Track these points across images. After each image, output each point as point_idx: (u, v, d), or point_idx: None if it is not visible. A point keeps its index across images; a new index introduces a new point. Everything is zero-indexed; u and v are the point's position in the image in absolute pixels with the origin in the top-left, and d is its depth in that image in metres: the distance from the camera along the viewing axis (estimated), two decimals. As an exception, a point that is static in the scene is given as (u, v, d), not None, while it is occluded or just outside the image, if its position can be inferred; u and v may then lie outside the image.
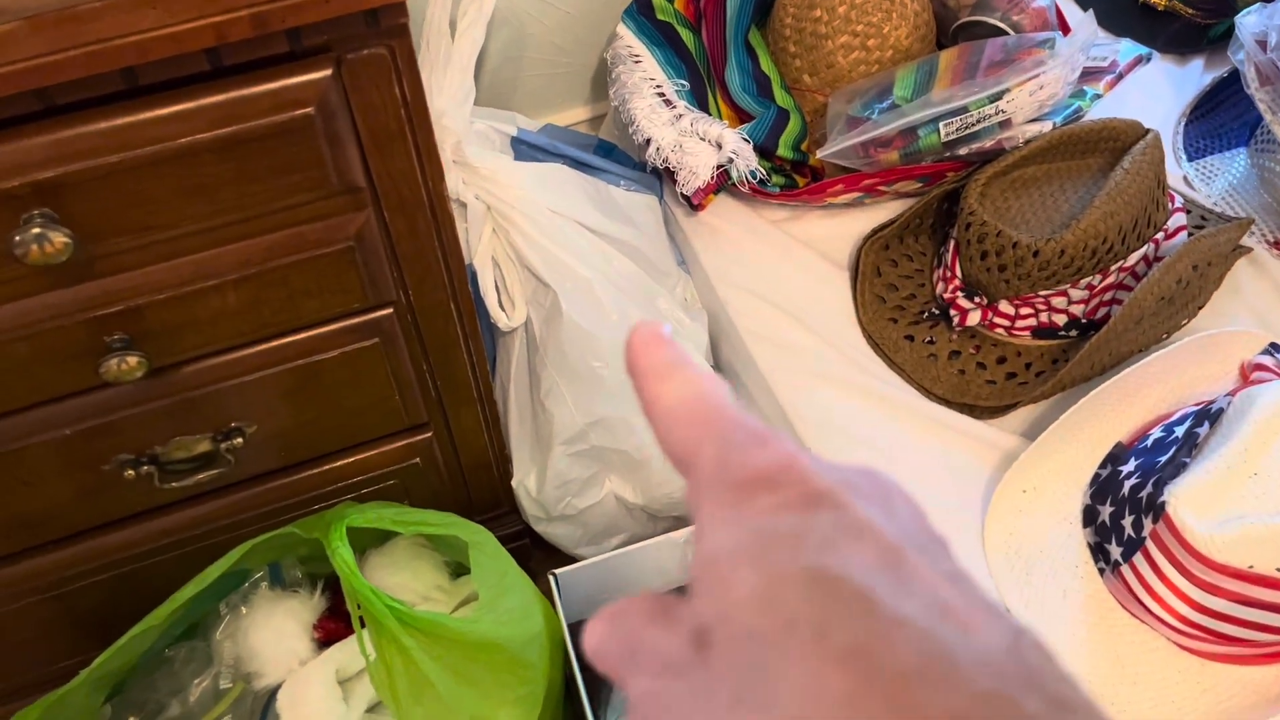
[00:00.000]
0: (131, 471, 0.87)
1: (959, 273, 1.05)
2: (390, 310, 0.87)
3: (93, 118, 0.65)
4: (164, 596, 0.93)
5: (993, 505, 0.92)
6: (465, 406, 1.02)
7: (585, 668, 0.96)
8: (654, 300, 1.11)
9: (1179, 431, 0.86)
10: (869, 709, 0.17)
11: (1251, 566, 0.77)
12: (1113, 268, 0.99)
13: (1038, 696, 0.17)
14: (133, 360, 0.77)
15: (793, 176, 1.20)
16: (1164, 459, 0.84)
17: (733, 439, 0.23)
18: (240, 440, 0.90)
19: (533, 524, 1.20)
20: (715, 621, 0.20)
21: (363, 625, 0.87)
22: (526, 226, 1.04)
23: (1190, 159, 1.20)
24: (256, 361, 0.85)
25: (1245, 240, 1.08)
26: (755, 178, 1.13)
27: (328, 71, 0.68)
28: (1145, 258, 1.00)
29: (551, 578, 0.99)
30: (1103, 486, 0.89)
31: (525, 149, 1.11)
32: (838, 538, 0.20)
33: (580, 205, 1.08)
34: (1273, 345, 0.94)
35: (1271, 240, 1.09)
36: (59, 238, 0.66)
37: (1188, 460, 0.83)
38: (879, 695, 0.17)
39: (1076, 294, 0.99)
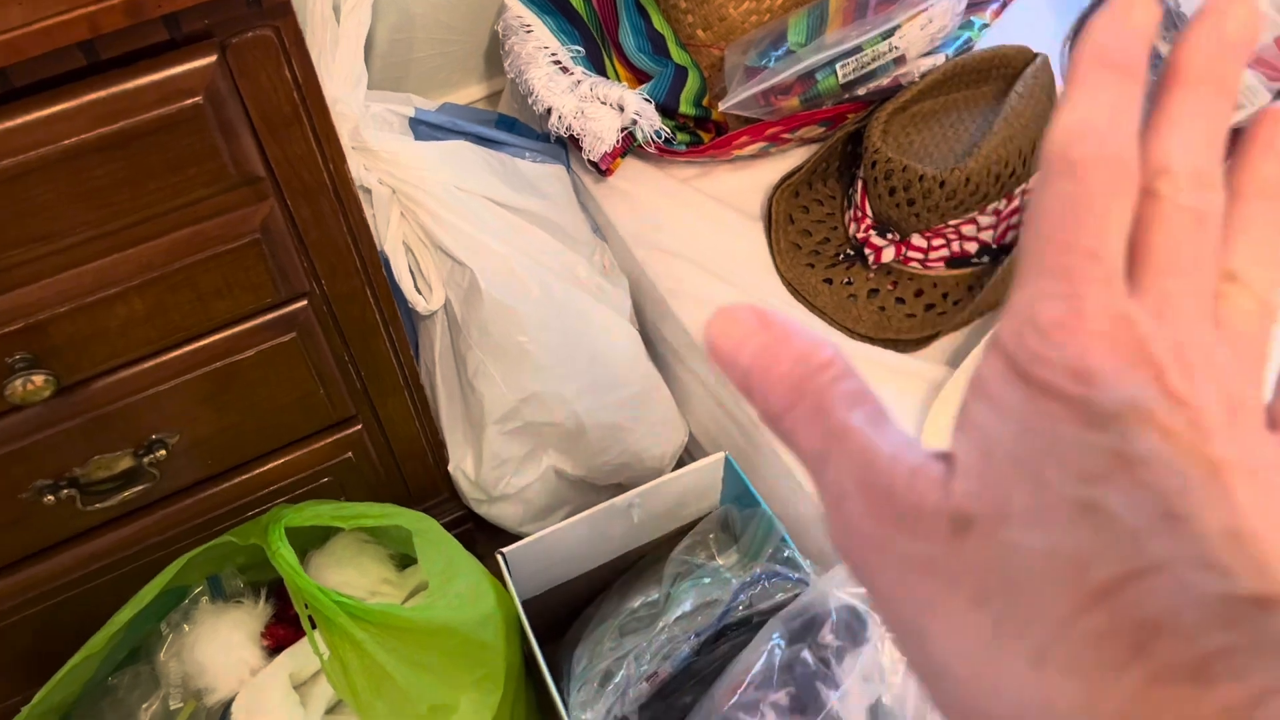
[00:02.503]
0: (51, 497, 0.84)
1: (869, 211, 1.06)
2: (305, 302, 0.85)
3: (-34, 127, 0.62)
4: (103, 623, 0.90)
5: (923, 438, 0.93)
6: (392, 395, 1.00)
7: (544, 643, 0.95)
8: (574, 270, 1.10)
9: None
10: (1112, 652, 0.17)
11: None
12: (1016, 191, 1.01)
13: (1269, 658, 0.17)
14: (39, 379, 0.74)
15: (697, 133, 1.20)
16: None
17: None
18: (163, 452, 0.87)
19: (474, 507, 1.18)
20: (981, 517, 0.20)
21: (313, 625, 0.86)
22: (434, 207, 1.02)
23: (1079, 80, 1.23)
24: (171, 369, 0.83)
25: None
26: (661, 137, 1.13)
27: (212, 58, 0.65)
28: (1046, 178, 1.03)
29: (500, 556, 0.98)
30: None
31: (425, 129, 1.09)
32: (1115, 472, 0.19)
33: (487, 180, 1.07)
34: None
35: (1163, 151, 1.12)
36: (-55, 256, 0.63)
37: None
38: (1124, 639, 0.17)
39: (984, 220, 1.01)
